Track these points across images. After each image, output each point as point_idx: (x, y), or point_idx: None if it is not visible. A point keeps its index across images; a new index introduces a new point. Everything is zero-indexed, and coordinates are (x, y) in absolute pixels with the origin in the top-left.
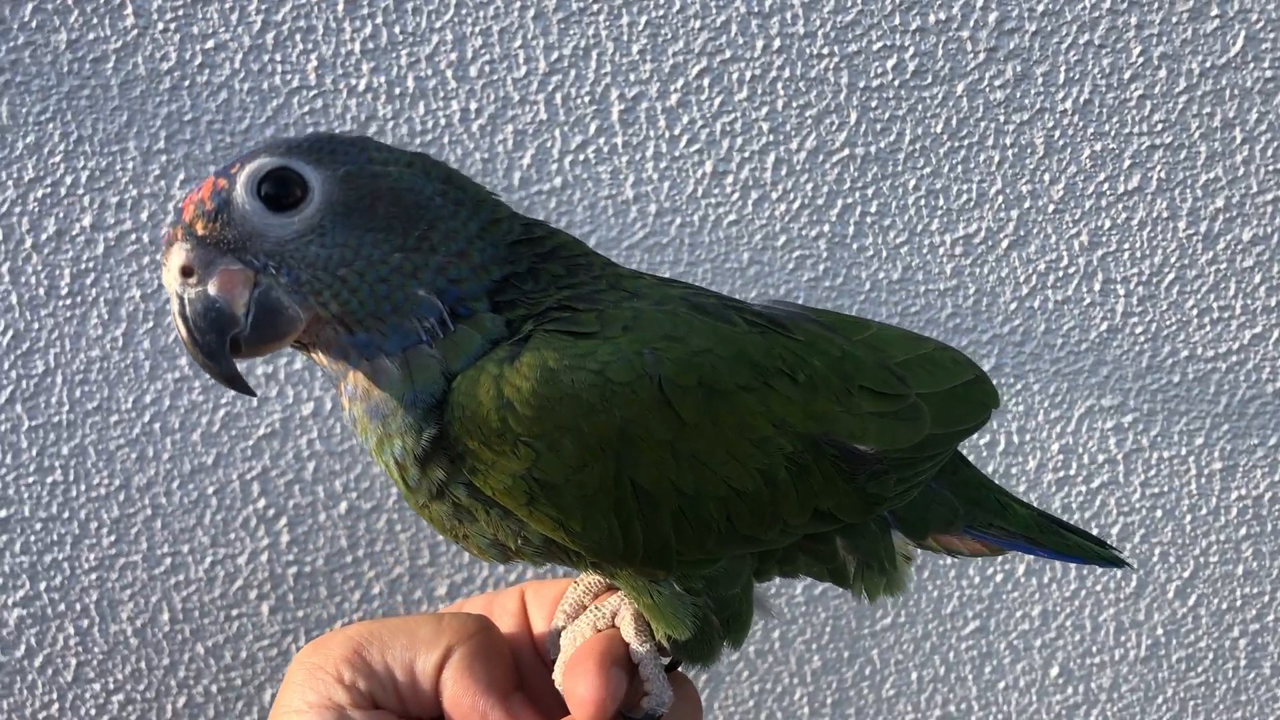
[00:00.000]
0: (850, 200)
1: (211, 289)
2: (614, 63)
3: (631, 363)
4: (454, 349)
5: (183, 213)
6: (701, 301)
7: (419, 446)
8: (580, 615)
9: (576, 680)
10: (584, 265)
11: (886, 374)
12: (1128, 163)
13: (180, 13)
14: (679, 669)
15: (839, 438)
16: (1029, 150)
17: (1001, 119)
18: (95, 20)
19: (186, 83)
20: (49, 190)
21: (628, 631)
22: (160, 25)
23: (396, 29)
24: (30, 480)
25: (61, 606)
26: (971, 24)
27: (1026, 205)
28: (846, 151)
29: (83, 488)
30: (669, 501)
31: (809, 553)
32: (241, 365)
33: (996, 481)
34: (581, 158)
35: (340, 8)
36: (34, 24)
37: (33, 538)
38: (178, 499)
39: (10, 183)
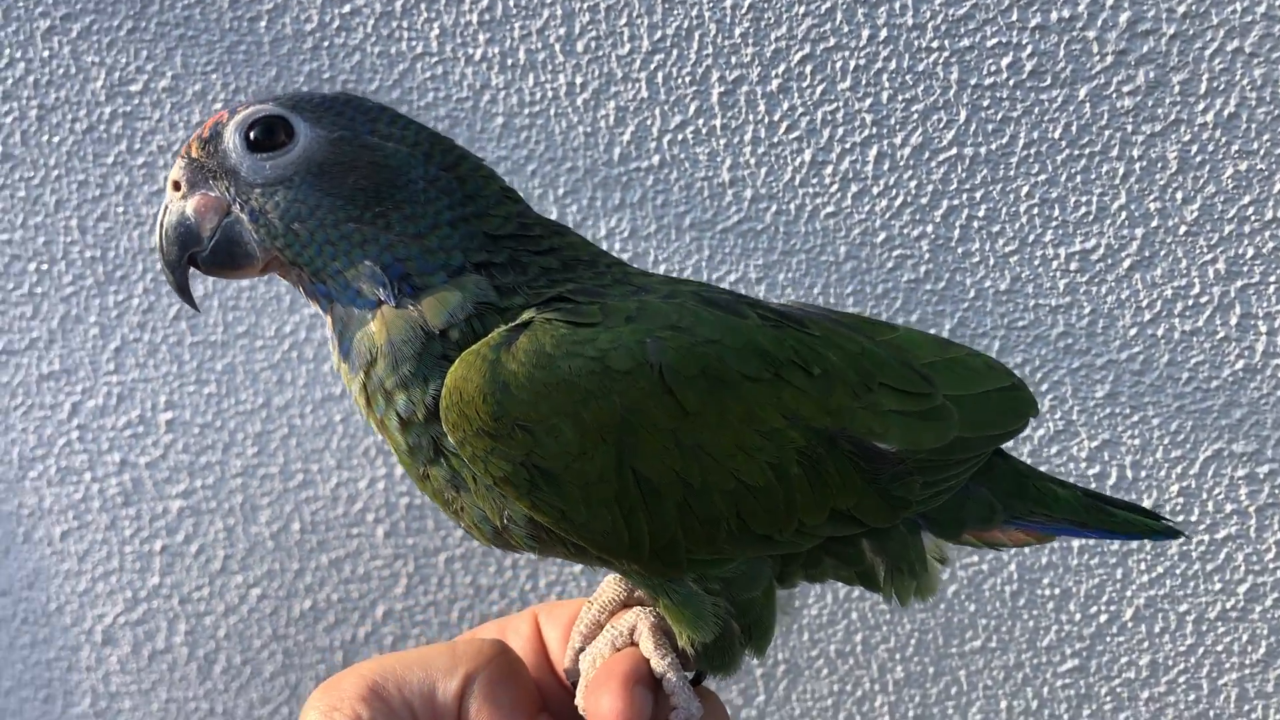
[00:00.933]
0: (956, 202)
1: (188, 207)
2: (716, 45)
3: (632, 350)
4: (435, 307)
5: (194, 133)
6: (713, 296)
7: (423, 404)
8: (598, 635)
9: (600, 701)
10: (586, 262)
11: (910, 372)
12: (1278, 186)
13: None
14: (703, 683)
15: (856, 434)
16: (1159, 164)
17: (1129, 128)
18: None
19: (325, 44)
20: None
21: (647, 647)
22: None
23: (510, 2)
24: (190, 390)
25: (213, 503)
26: (1100, 24)
27: (1154, 224)
28: (954, 151)
29: (232, 401)
30: (674, 493)
31: (834, 555)
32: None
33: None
34: (680, 137)
35: None
36: None
37: (191, 440)
38: (310, 422)
39: (181, 125)
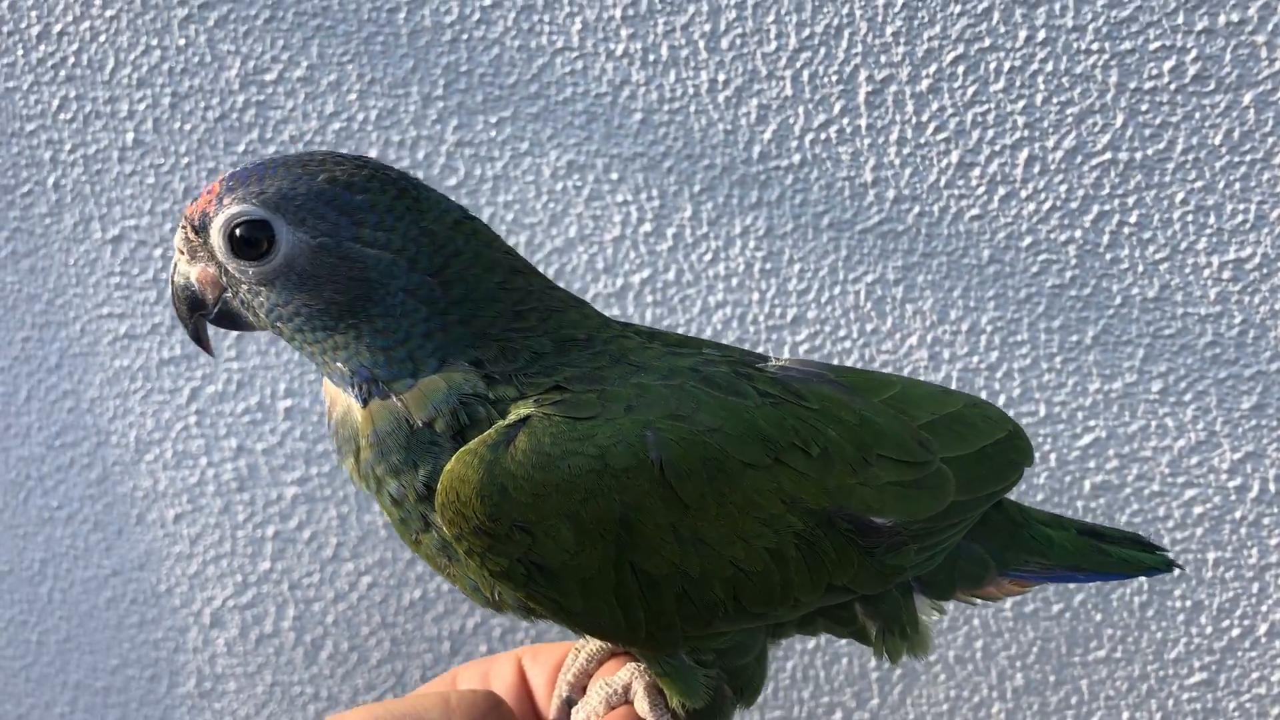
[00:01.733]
0: (1108, 207)
1: (192, 275)
2: (865, 43)
3: (632, 446)
4: (419, 400)
5: (195, 201)
6: (712, 373)
7: (413, 489)
8: (590, 689)
9: None
10: (582, 342)
11: (908, 440)
12: None
13: None
14: None
15: (854, 511)
16: None
17: None
18: None
19: (465, 36)
20: (344, 124)
21: (643, 707)
22: None
23: None
24: (311, 378)
25: (328, 491)
26: (1270, 28)
27: None
28: (1108, 155)
29: None
30: (673, 584)
31: (828, 617)
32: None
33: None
34: (823, 136)
35: None
36: None
37: (309, 428)
38: None
39: (314, 115)
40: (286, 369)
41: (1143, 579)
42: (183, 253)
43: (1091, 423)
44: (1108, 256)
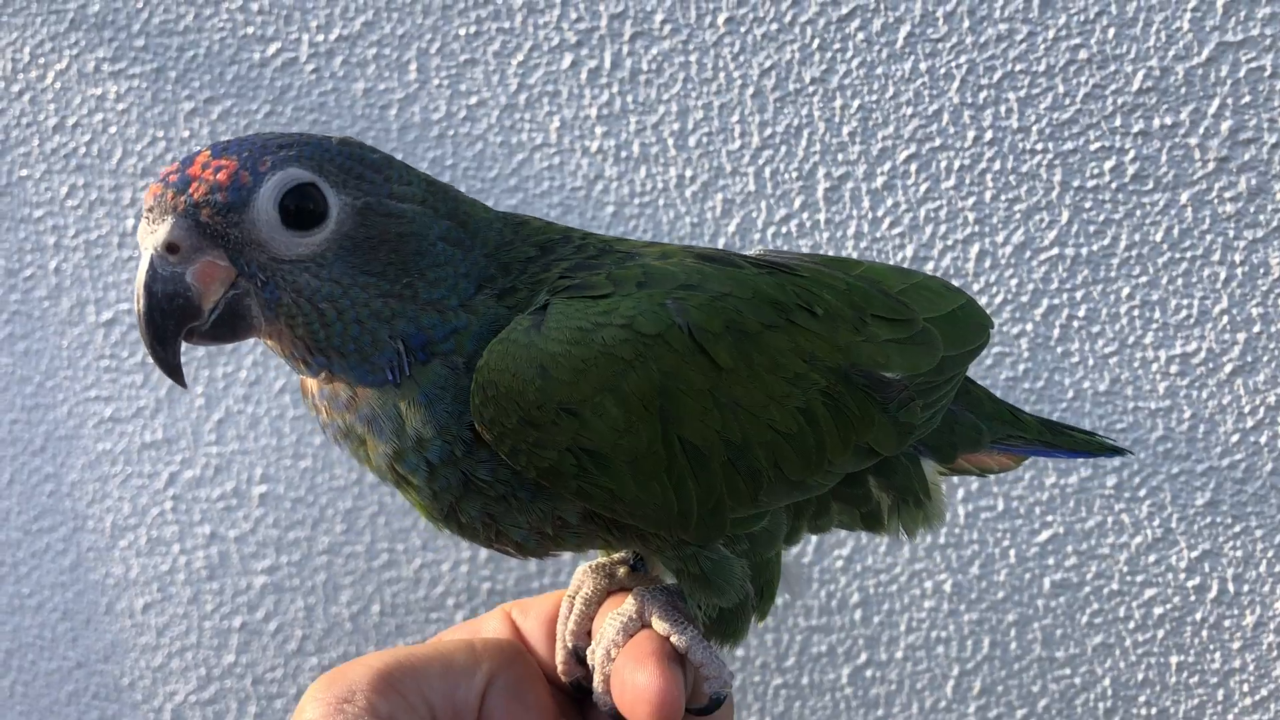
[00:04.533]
0: (1057, 301)
1: (189, 275)
2: (824, 142)
3: (658, 314)
4: (460, 343)
5: (189, 182)
6: (705, 251)
7: (458, 443)
8: (601, 625)
9: (638, 680)
10: (561, 240)
11: (892, 301)
12: None
13: (453, 71)
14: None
15: (865, 367)
16: (1262, 270)
17: (1231, 234)
18: (385, 73)
19: (451, 132)
20: None
21: (663, 626)
22: (436, 81)
23: (629, 98)
24: (287, 464)
25: (296, 580)
26: (1201, 131)
27: (1256, 329)
28: (1056, 251)
29: (326, 476)
30: (719, 454)
31: (842, 499)
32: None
33: None
34: (784, 230)
35: (584, 76)
36: (341, 73)
37: (283, 514)
38: (400, 500)
39: None
40: (264, 454)
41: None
42: (175, 251)
43: (1049, 518)
44: (1059, 350)
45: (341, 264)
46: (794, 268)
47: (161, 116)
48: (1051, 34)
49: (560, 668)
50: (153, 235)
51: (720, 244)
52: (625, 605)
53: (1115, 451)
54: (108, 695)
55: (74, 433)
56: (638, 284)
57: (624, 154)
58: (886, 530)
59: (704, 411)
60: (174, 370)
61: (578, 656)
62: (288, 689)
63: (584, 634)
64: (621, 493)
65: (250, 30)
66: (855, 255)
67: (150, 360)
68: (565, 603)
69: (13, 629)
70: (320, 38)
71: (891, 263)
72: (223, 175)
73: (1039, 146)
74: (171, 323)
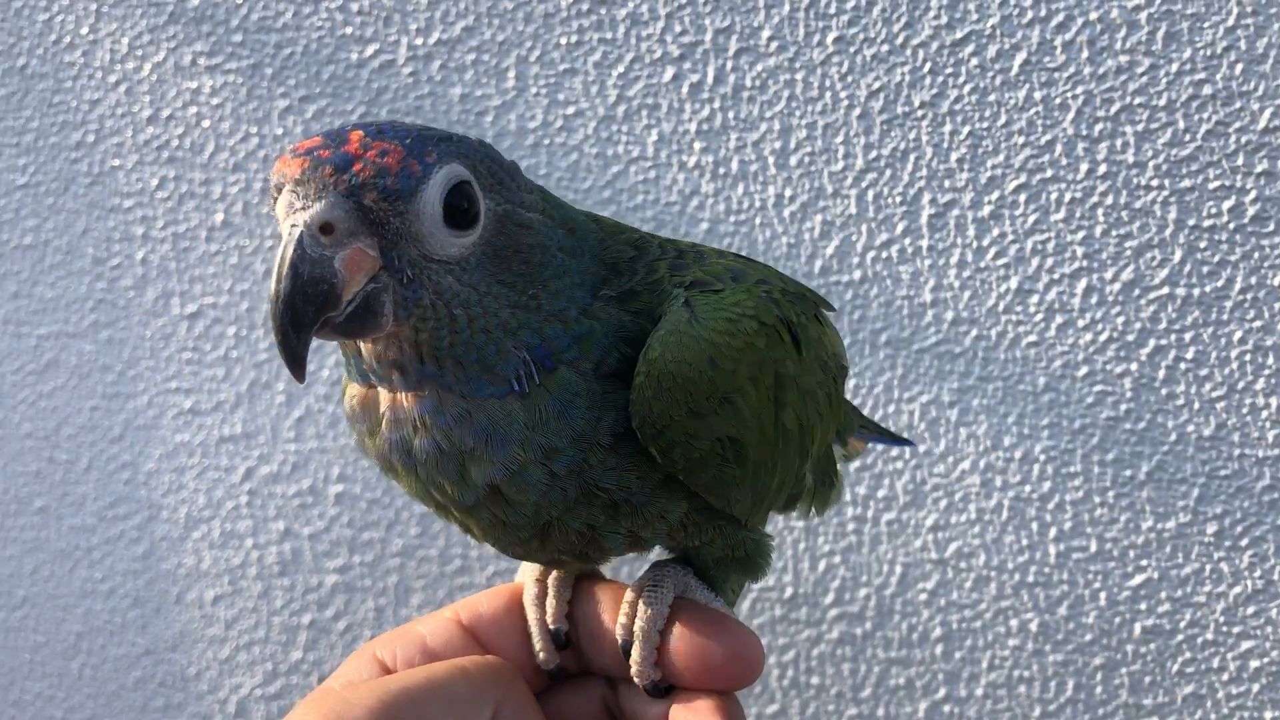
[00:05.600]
0: (1164, 342)
1: (337, 260)
2: (930, 168)
3: (768, 306)
4: (587, 351)
5: (350, 160)
6: (723, 250)
7: (594, 450)
8: (635, 606)
9: (726, 646)
10: (641, 239)
11: (805, 291)
12: None
13: (552, 80)
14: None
15: (836, 352)
16: None
17: None
18: (483, 79)
19: (546, 142)
20: None
21: (702, 596)
22: (533, 89)
23: (730, 114)
24: (364, 464)
25: (367, 581)
26: None
27: None
28: (1166, 290)
29: None
30: (795, 439)
31: (789, 486)
32: None
33: None
34: (884, 255)
35: (685, 90)
36: (438, 78)
37: (357, 515)
38: None
39: None
40: (342, 453)
41: None
42: (329, 232)
43: (1144, 562)
44: (1163, 391)
45: (481, 270)
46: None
47: (255, 113)
48: (1175, 68)
49: (541, 655)
50: (304, 212)
51: (817, 266)
52: (664, 584)
53: (904, 442)
54: (174, 684)
55: (153, 423)
56: (732, 278)
57: (722, 170)
58: (799, 511)
59: (796, 398)
60: (299, 362)
61: (557, 640)
62: None
63: (562, 617)
64: (744, 479)
65: (349, 30)
66: (958, 285)
67: (276, 351)
68: (533, 588)
69: (84, 612)
70: (419, 41)
71: (994, 294)
72: (391, 160)
73: (1154, 182)
74: (311, 309)
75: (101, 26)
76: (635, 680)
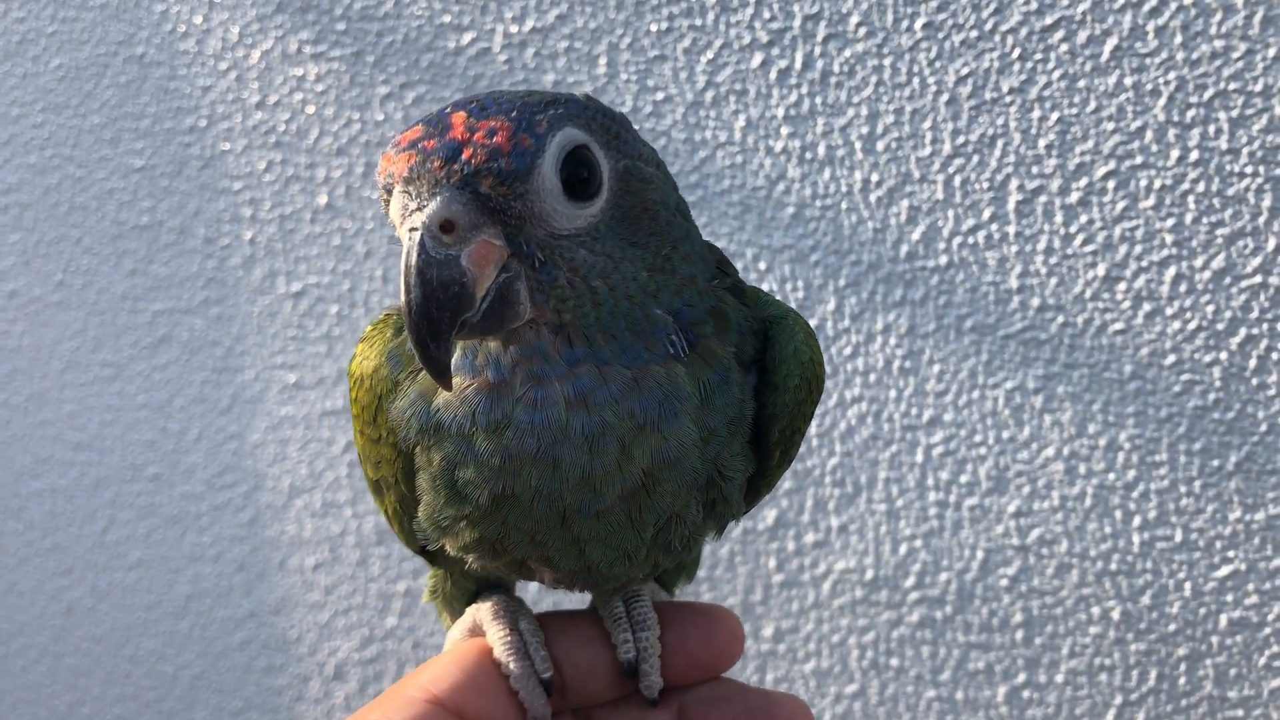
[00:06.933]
0: (1256, 331)
1: (464, 258)
2: (1018, 154)
3: None
4: (724, 329)
5: (459, 148)
6: None
7: (740, 428)
8: (636, 621)
9: (723, 634)
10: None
11: None
12: None
13: (642, 66)
14: None
15: None
16: None
17: None
18: (575, 65)
19: (636, 127)
20: None
21: (664, 595)
22: (624, 75)
23: (818, 100)
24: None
25: None
26: None
27: None
28: (1259, 279)
29: None
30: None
31: None
32: None
33: None
34: (971, 241)
35: (773, 76)
36: (532, 65)
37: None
38: None
39: None
40: None
41: None
42: (451, 230)
43: (1231, 554)
44: (1254, 381)
45: (613, 235)
46: None
47: (358, 99)
48: (1272, 52)
49: (539, 710)
50: (421, 213)
51: (903, 251)
52: (638, 595)
53: None
54: (276, 645)
55: (259, 396)
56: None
57: (809, 155)
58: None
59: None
60: (443, 371)
61: (547, 685)
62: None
63: (550, 659)
64: (785, 466)
65: (447, 19)
66: (1045, 272)
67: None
68: (506, 640)
69: (193, 575)
70: (514, 29)
71: (1081, 281)
72: (501, 139)
73: (1248, 170)
74: (447, 315)
75: (214, 16)
76: (645, 694)
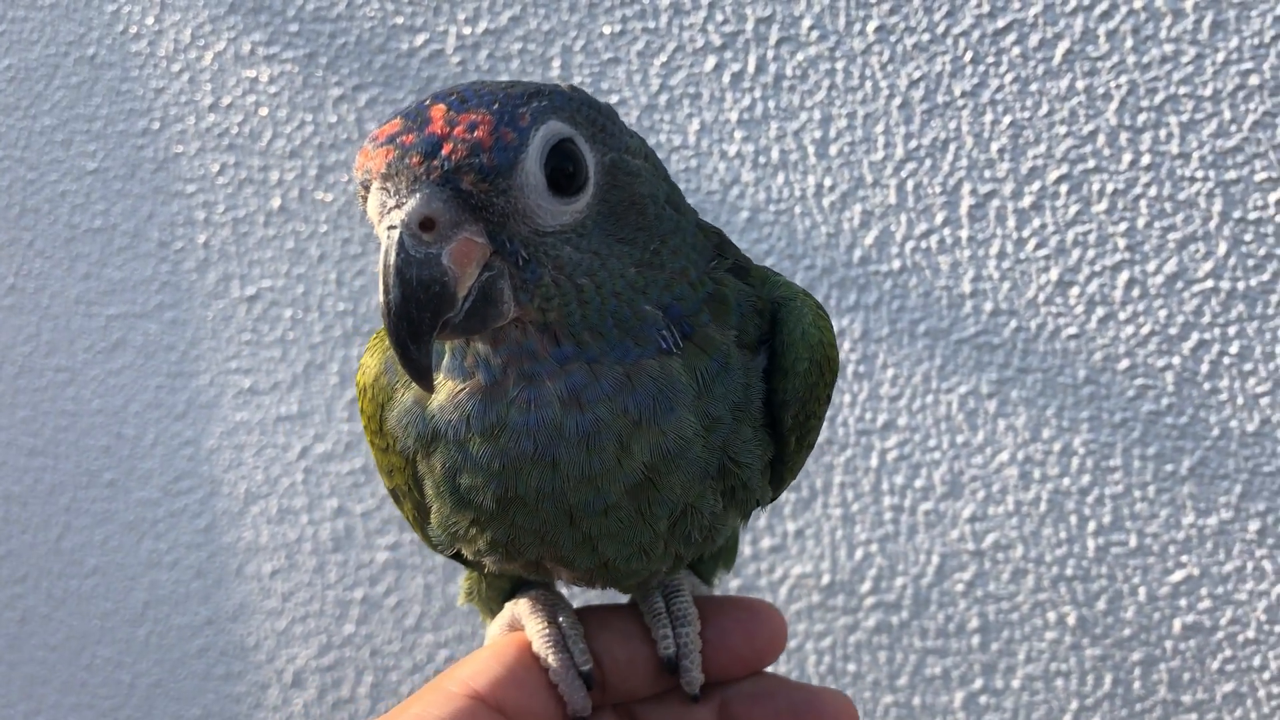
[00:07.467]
0: (1208, 336)
1: (444, 257)
2: (971, 157)
3: None
4: (723, 317)
5: (439, 143)
6: None
7: (748, 418)
8: (675, 615)
9: (765, 629)
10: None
11: None
12: None
13: (596, 69)
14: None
15: None
16: None
17: None
18: (529, 68)
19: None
20: None
21: (703, 590)
22: (578, 78)
23: (772, 103)
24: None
25: (417, 559)
26: None
27: None
28: (1210, 284)
29: None
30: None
31: None
32: None
33: None
34: (924, 245)
35: (726, 79)
36: (486, 66)
37: None
38: None
39: None
40: None
41: None
42: (431, 228)
43: (1184, 558)
44: (1206, 386)
45: (599, 231)
46: None
47: (311, 101)
48: (1221, 57)
49: (579, 703)
50: (400, 210)
51: (856, 255)
52: (678, 588)
53: None
54: (234, 653)
55: (214, 401)
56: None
57: (762, 159)
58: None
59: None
60: (424, 373)
61: (587, 679)
62: (403, 663)
63: (589, 652)
64: (808, 450)
65: (400, 20)
66: (998, 276)
67: (397, 362)
68: (545, 633)
69: (150, 583)
70: (467, 30)
71: (1034, 285)
72: (482, 133)
73: (1199, 174)
74: (428, 315)
75: (166, 17)
76: (686, 690)
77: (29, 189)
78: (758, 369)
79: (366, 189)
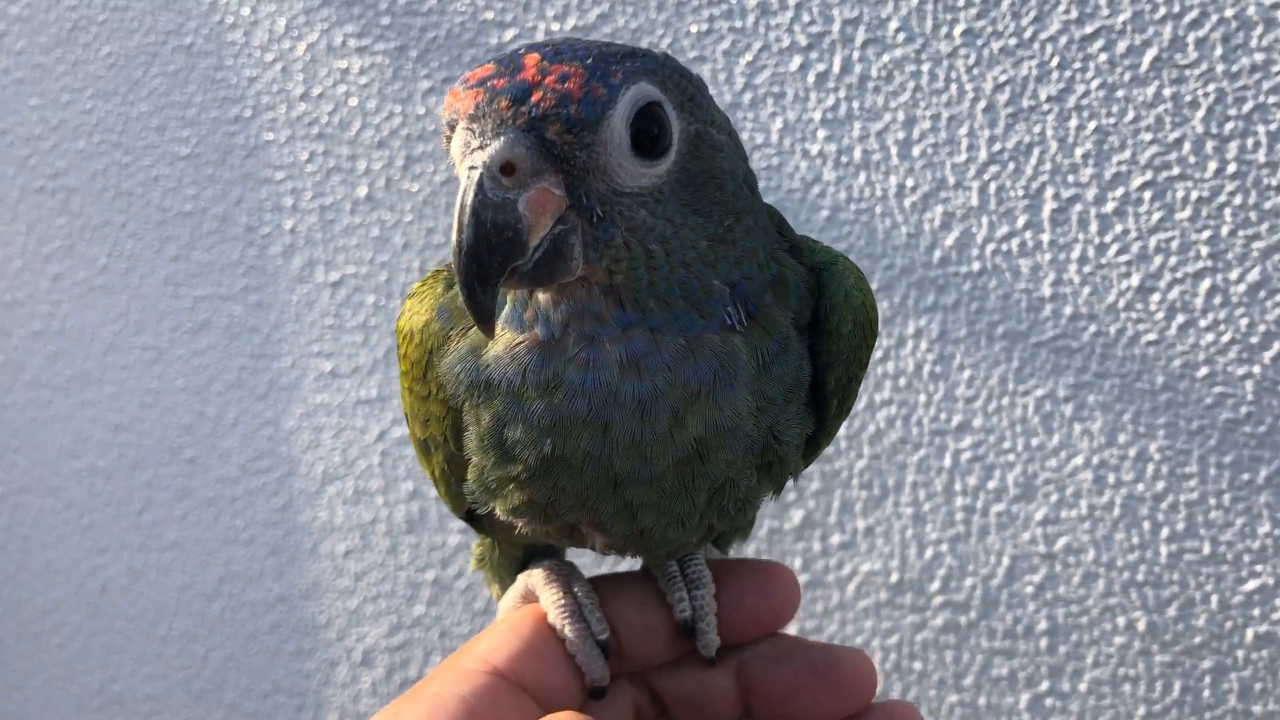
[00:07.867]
0: None
1: (521, 204)
2: (1054, 162)
3: None
4: (783, 297)
5: (529, 90)
6: None
7: (796, 394)
8: (685, 593)
9: (779, 590)
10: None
11: None
12: None
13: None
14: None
15: None
16: None
17: None
18: None
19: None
20: None
21: (717, 553)
22: None
23: (855, 104)
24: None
25: None
26: None
27: None
28: None
29: None
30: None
31: None
32: None
33: None
34: (1005, 248)
35: (811, 79)
36: None
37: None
38: None
39: None
40: None
41: None
42: (511, 173)
43: (1259, 568)
44: None
45: (676, 200)
46: None
47: (400, 93)
48: None
49: (597, 673)
50: (482, 152)
51: (936, 256)
52: (694, 557)
53: None
54: (305, 630)
55: (295, 383)
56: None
57: (844, 159)
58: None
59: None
60: (487, 316)
61: (604, 647)
62: None
63: (606, 621)
64: (845, 416)
65: (489, 16)
66: (1079, 280)
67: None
68: (560, 603)
69: (226, 559)
70: (555, 26)
71: (1114, 291)
72: (573, 85)
73: None
74: (498, 259)
75: (261, 7)
76: (703, 653)
77: (124, 172)
78: (806, 347)
79: (452, 129)
